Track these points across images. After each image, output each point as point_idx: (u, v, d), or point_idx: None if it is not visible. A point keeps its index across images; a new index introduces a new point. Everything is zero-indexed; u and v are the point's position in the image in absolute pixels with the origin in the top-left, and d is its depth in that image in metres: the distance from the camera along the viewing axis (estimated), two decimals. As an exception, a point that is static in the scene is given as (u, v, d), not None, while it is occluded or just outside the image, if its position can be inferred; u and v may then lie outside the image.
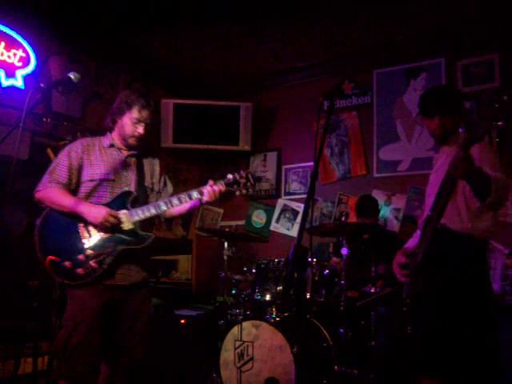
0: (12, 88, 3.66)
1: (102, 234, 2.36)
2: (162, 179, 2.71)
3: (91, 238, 2.36)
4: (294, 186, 4.99)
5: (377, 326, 3.17)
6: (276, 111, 5.20)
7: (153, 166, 2.68)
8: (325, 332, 3.18)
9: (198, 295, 5.18)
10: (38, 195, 2.41)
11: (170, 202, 2.43)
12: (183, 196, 2.45)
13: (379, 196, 4.36)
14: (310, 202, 1.72)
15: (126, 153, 2.55)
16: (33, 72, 3.77)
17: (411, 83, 4.44)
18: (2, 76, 3.59)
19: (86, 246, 2.34)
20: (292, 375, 2.86)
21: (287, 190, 5.03)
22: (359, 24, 4.12)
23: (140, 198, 2.49)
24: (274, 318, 3.20)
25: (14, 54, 3.66)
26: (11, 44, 3.65)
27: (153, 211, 2.41)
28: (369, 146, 4.62)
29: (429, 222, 2.32)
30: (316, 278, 3.35)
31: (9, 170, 2.22)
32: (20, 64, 3.69)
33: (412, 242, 2.61)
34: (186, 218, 5.36)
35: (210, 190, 2.47)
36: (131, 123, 2.47)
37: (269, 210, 5.07)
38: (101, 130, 2.63)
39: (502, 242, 3.57)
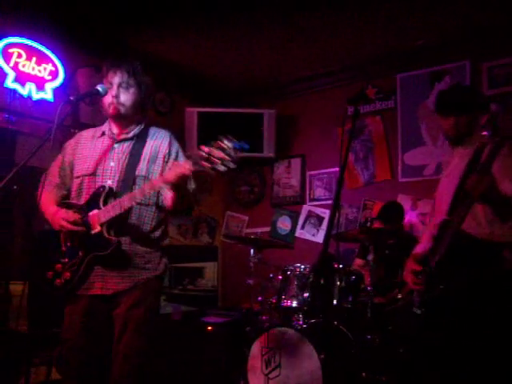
0: (42, 101, 3.77)
1: (73, 240, 2.16)
2: (171, 159, 2.26)
3: (67, 246, 2.18)
4: (319, 192, 4.98)
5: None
6: (299, 117, 5.21)
7: (156, 148, 2.26)
8: (352, 338, 3.16)
9: (225, 302, 5.20)
10: (38, 200, 2.23)
11: (134, 198, 2.06)
12: (147, 189, 2.05)
13: (405, 201, 4.32)
14: (336, 208, 1.73)
15: (118, 138, 2.27)
16: (61, 85, 3.88)
17: (435, 86, 4.40)
18: (33, 90, 3.70)
19: (62, 254, 2.18)
20: (319, 382, 2.85)
21: (312, 196, 5.03)
22: (382, 28, 4.11)
23: (123, 191, 2.13)
24: (300, 325, 3.19)
25: (44, 69, 3.77)
26: (42, 59, 3.76)
27: (117, 210, 2.06)
28: (393, 150, 4.59)
29: (445, 227, 2.26)
30: (343, 284, 3.33)
31: (39, 181, 2.28)
32: (49, 78, 3.80)
33: (421, 248, 2.51)
34: (212, 225, 5.40)
35: (171, 176, 1.99)
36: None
37: (294, 217, 5.07)
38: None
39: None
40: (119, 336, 2.12)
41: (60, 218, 2.14)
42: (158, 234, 2.27)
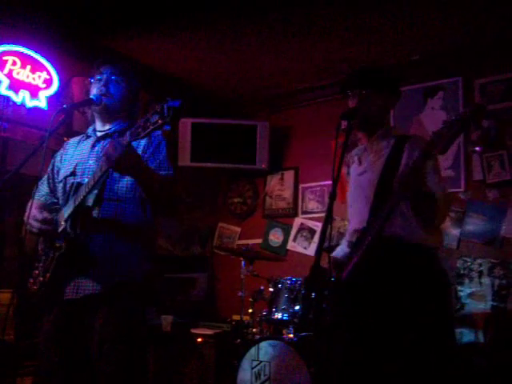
0: (36, 109, 3.75)
1: (46, 241, 2.08)
2: (152, 148, 2.12)
3: (42, 249, 2.10)
4: (312, 204, 4.98)
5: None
6: (293, 130, 5.23)
7: (137, 142, 2.04)
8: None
9: (215, 314, 5.17)
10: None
11: (87, 185, 1.93)
12: (97, 170, 1.92)
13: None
14: (328, 221, 1.73)
15: (99, 134, 2.20)
16: (56, 93, 3.87)
17: (429, 102, 4.44)
18: (27, 97, 3.69)
19: (38, 258, 2.09)
20: (309, 396, 2.83)
21: (304, 209, 5.02)
22: (376, 43, 4.15)
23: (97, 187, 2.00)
24: (291, 338, 3.17)
25: (39, 77, 3.75)
26: (36, 66, 3.75)
27: (75, 203, 1.96)
28: (386, 164, 4.60)
29: (365, 234, 2.15)
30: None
31: (31, 188, 2.27)
32: (44, 86, 3.79)
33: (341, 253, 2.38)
34: (203, 236, 5.38)
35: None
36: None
37: (286, 229, 5.07)
38: None
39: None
40: (98, 356, 1.95)
41: (30, 216, 2.05)
42: (137, 233, 2.09)
